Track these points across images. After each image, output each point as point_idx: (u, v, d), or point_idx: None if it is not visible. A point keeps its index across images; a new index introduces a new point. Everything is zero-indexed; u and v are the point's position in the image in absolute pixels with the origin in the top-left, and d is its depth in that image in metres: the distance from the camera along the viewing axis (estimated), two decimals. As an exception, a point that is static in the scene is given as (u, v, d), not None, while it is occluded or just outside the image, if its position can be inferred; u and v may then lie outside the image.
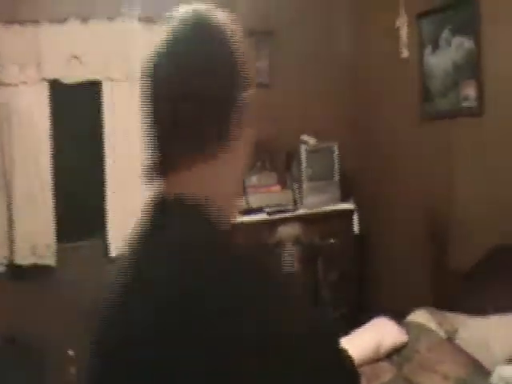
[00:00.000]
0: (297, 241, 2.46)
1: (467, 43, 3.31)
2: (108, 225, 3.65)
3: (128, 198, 3.54)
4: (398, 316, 3.41)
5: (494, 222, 3.19)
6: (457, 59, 3.40)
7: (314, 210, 3.98)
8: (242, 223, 3.76)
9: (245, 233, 3.74)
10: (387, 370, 3.01)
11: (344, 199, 4.10)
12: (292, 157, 4.10)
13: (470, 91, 3.31)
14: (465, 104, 3.34)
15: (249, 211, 3.84)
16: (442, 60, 3.51)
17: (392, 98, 3.94)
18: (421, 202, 3.74)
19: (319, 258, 2.47)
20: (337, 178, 4.07)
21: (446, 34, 3.46)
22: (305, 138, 4.06)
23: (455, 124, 3.44)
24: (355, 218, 4.09)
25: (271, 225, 3.88)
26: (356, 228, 4.08)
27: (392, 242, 3.98)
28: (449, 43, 3.44)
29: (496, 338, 2.73)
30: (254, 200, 3.87)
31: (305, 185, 3.97)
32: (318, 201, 4.01)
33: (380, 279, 4.00)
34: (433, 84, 3.59)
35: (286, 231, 2.55)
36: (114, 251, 3.60)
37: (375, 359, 2.98)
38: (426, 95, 3.65)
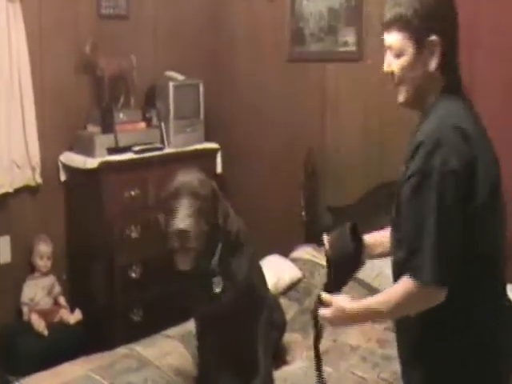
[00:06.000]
0: (193, 193, 2.34)
1: (346, -10, 3.44)
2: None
3: None
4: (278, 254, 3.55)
5: (372, 162, 3.42)
6: (334, 5, 3.51)
7: (180, 149, 3.89)
8: (109, 162, 3.55)
9: (113, 173, 3.57)
10: (288, 306, 3.13)
11: (208, 138, 4.07)
12: (154, 93, 3.92)
13: (348, 37, 3.46)
14: (343, 49, 3.49)
15: (116, 150, 3.62)
16: (317, 5, 3.59)
17: (259, 38, 3.94)
18: (289, 141, 3.85)
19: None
20: (202, 116, 4.00)
21: (321, -21, 3.54)
22: (171, 73, 3.90)
23: (331, 68, 3.58)
24: (218, 157, 4.08)
25: (139, 164, 3.72)
26: (219, 168, 4.08)
27: (253, 180, 4.06)
28: (325, -12, 3.53)
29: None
30: (121, 138, 3.65)
31: (171, 123, 3.85)
32: (185, 139, 3.92)
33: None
34: (306, 28, 3.67)
35: (183, 181, 2.39)
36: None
37: (276, 295, 3.07)
38: (298, 38, 3.72)
